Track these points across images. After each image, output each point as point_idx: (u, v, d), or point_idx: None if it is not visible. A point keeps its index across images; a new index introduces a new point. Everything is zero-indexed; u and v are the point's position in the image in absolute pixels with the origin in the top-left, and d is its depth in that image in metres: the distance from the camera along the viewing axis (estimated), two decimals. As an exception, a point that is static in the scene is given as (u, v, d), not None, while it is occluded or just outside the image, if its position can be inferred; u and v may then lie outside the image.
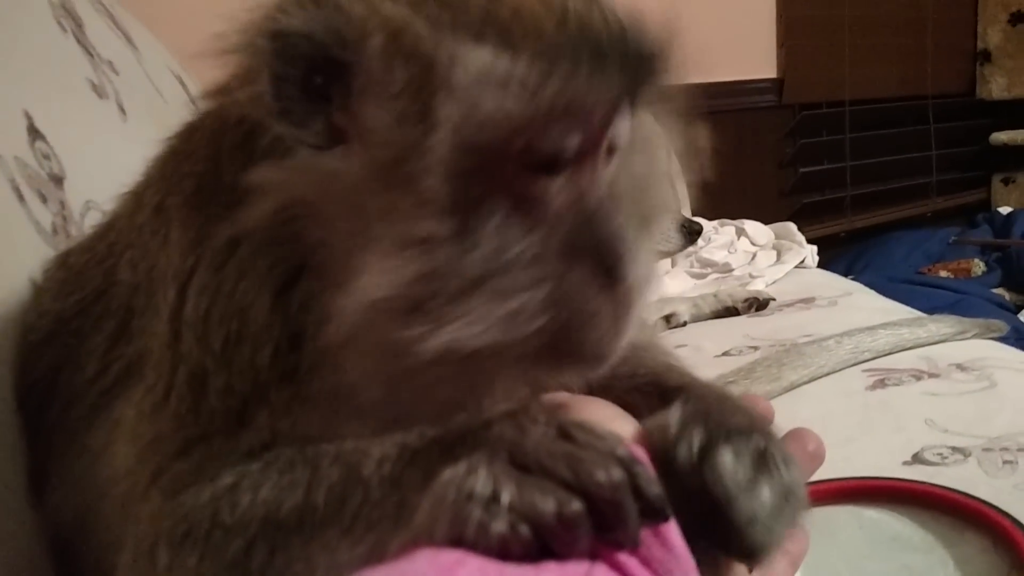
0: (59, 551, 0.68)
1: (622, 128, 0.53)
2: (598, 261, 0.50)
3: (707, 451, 0.51)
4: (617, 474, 0.41)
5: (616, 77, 0.49)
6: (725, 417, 0.54)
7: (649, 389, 0.61)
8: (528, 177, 0.50)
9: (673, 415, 0.54)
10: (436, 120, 0.48)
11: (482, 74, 0.48)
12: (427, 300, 0.48)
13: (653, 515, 0.42)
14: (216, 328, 0.54)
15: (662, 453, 0.52)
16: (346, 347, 0.51)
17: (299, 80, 0.49)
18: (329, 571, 0.46)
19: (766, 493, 0.51)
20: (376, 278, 0.48)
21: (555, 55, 0.48)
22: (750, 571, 0.55)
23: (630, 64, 0.50)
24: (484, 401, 0.56)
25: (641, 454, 0.45)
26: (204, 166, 0.57)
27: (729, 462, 0.50)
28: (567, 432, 0.44)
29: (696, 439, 0.52)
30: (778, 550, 0.51)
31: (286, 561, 0.47)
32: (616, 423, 0.55)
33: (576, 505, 0.40)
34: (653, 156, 0.59)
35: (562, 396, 0.58)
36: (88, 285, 0.67)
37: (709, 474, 0.50)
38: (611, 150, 0.53)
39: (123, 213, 0.68)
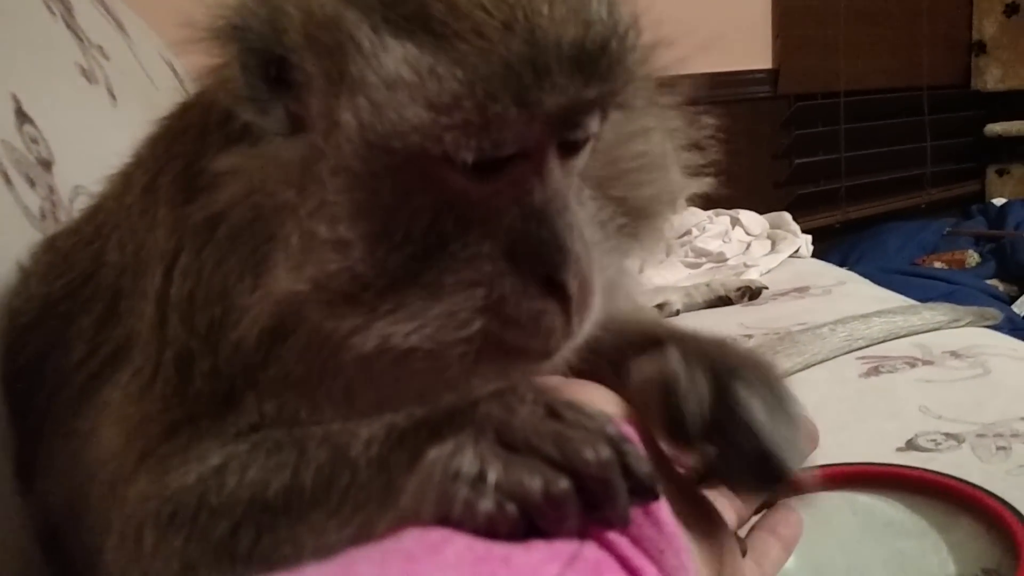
0: (48, 537, 0.67)
1: (581, 129, 0.50)
2: (539, 263, 0.48)
3: (722, 387, 0.52)
4: (605, 452, 0.41)
5: (566, 83, 0.46)
6: (724, 355, 0.55)
7: (639, 340, 0.60)
8: (460, 178, 0.48)
9: (672, 356, 0.54)
10: (339, 120, 0.47)
11: (397, 73, 0.46)
12: (357, 295, 0.48)
13: (643, 493, 0.41)
14: (201, 311, 0.53)
15: (666, 396, 0.52)
16: (279, 336, 0.51)
17: (258, 70, 0.49)
18: (316, 552, 0.45)
19: (784, 418, 0.52)
20: (283, 275, 0.48)
21: (489, 58, 0.45)
22: (766, 507, 0.59)
23: (587, 69, 0.47)
24: (458, 389, 0.56)
25: (631, 432, 0.45)
26: (192, 146, 0.56)
27: (748, 395, 0.51)
28: (555, 411, 0.43)
29: (701, 377, 0.52)
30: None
31: (273, 543, 0.47)
32: (608, 405, 0.55)
33: (564, 483, 0.40)
34: (647, 149, 0.57)
35: (553, 379, 0.58)
36: (76, 268, 0.66)
37: (733, 408, 0.51)
38: (573, 147, 0.51)
39: (111, 194, 0.68)
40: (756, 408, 0.51)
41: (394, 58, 0.46)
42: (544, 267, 0.48)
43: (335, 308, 0.48)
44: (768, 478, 0.52)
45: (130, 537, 0.52)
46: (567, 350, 0.52)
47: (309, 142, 0.49)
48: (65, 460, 0.62)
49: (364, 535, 0.43)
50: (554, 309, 0.49)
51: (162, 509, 0.50)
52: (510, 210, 0.49)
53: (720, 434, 0.51)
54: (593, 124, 0.51)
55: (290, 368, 0.52)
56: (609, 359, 0.60)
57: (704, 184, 0.60)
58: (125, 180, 0.65)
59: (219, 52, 0.52)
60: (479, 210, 0.49)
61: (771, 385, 0.53)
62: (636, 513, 0.41)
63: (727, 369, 0.53)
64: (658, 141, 0.58)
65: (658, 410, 0.53)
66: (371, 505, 0.45)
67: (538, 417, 0.43)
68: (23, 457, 0.69)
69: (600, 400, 0.56)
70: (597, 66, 0.48)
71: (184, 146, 0.57)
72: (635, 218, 0.56)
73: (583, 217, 0.52)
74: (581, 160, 0.52)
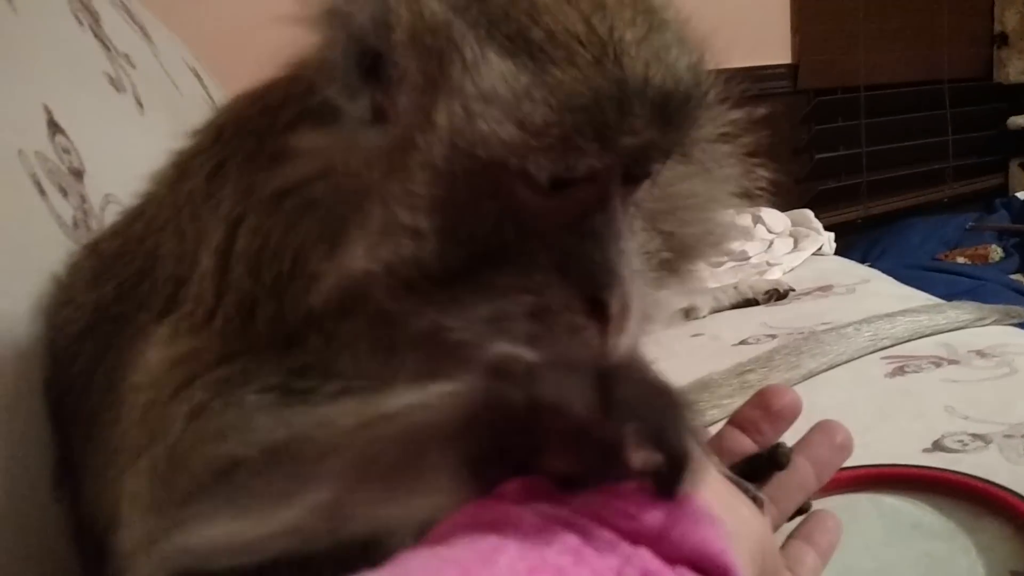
0: (95, 542, 0.68)
1: (655, 166, 0.53)
2: (588, 282, 0.51)
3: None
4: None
5: (644, 127, 0.49)
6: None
7: None
8: (530, 192, 0.51)
9: None
10: (434, 121, 0.49)
11: (493, 87, 0.48)
12: (417, 282, 0.50)
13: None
14: (268, 264, 0.54)
15: None
16: (337, 310, 0.52)
17: (354, 57, 0.51)
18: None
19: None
20: (360, 253, 0.50)
21: (580, 91, 0.48)
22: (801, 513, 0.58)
23: (666, 117, 0.50)
24: None
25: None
26: (265, 123, 0.58)
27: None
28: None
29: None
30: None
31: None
32: None
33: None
34: (701, 190, 0.60)
35: None
36: (128, 267, 0.65)
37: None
38: (636, 179, 0.54)
39: (164, 186, 0.67)
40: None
41: (493, 73, 0.48)
42: (591, 287, 0.50)
43: (396, 291, 0.50)
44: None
45: (161, 477, 0.52)
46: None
47: (396, 134, 0.51)
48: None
49: None
50: (593, 327, 0.50)
51: (196, 453, 0.51)
52: (570, 228, 0.51)
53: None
54: (659, 164, 0.54)
55: (353, 326, 0.53)
56: None
57: (742, 232, 0.64)
58: (180, 170, 0.65)
59: (319, 32, 0.53)
60: (541, 223, 0.51)
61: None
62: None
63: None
64: (712, 184, 0.61)
65: None
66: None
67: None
68: (70, 466, 0.69)
69: None
70: (676, 115, 0.51)
71: (256, 124, 0.58)
72: (679, 254, 0.59)
73: (633, 246, 0.54)
74: (641, 193, 0.55)
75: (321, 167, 0.52)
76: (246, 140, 0.59)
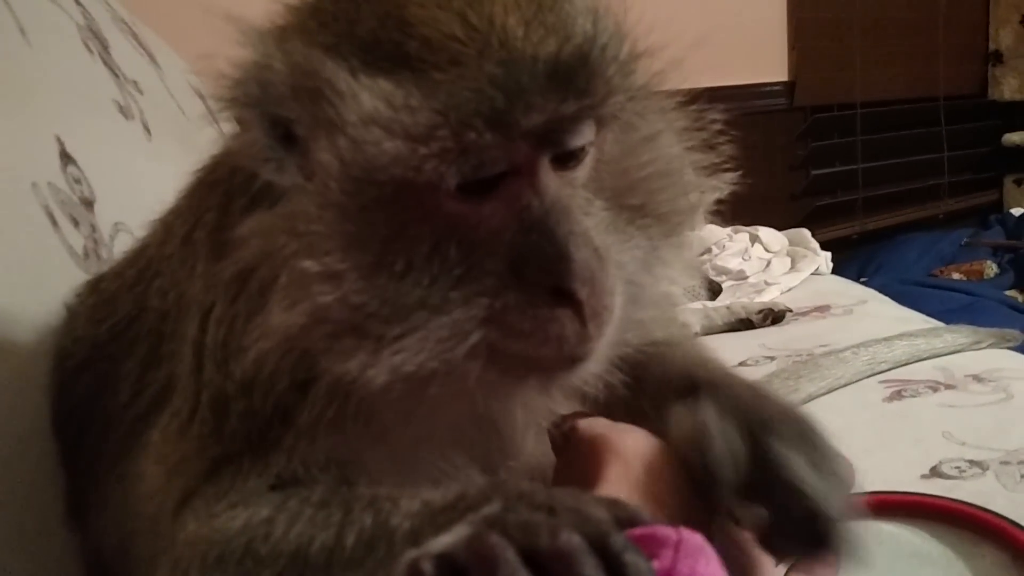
0: (102, 572, 0.69)
1: (570, 142, 0.51)
2: (544, 274, 0.49)
3: (759, 445, 0.52)
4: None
5: (542, 101, 0.48)
6: (760, 406, 0.55)
7: (679, 381, 0.61)
8: (454, 202, 0.49)
9: (707, 412, 0.55)
10: (324, 159, 0.49)
11: (374, 109, 0.47)
12: (361, 325, 0.49)
13: None
14: (234, 357, 0.55)
15: (702, 458, 0.53)
16: (296, 390, 0.53)
17: (270, 129, 0.51)
18: None
19: (829, 475, 0.52)
20: (284, 311, 0.50)
21: (461, 85, 0.47)
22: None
23: (563, 85, 0.48)
24: (490, 413, 0.57)
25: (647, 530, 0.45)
26: (221, 200, 0.59)
27: (788, 453, 0.51)
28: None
29: (735, 435, 0.53)
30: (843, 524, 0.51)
31: None
32: (646, 449, 0.57)
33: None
34: (656, 156, 0.58)
35: (599, 422, 0.59)
36: (120, 311, 0.69)
37: (774, 469, 0.51)
38: (570, 159, 0.52)
39: (153, 241, 0.70)
40: (798, 467, 0.51)
41: (370, 95, 0.48)
42: (550, 277, 0.49)
43: (342, 342, 0.49)
44: (817, 539, 0.52)
45: None
46: (594, 358, 0.53)
47: (309, 188, 0.51)
48: (117, 500, 0.65)
49: None
50: (566, 316, 0.49)
51: (209, 552, 0.52)
52: (510, 226, 0.50)
53: (765, 496, 0.52)
54: (582, 136, 0.52)
55: (322, 410, 0.54)
56: (651, 399, 0.61)
57: (724, 182, 0.60)
58: (166, 228, 0.68)
59: (239, 116, 0.54)
60: (480, 230, 0.50)
61: (810, 439, 0.54)
62: None
63: (762, 423, 0.54)
64: (667, 145, 0.59)
65: (695, 471, 0.54)
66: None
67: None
68: (75, 495, 0.71)
69: (641, 444, 0.57)
70: (574, 81, 0.49)
71: (216, 199, 0.60)
72: (658, 224, 0.57)
73: (593, 225, 0.52)
74: (582, 171, 0.53)
75: (262, 246, 0.52)
76: (207, 214, 0.60)
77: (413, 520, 0.48)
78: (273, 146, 0.51)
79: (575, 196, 0.52)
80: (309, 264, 0.49)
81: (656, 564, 0.42)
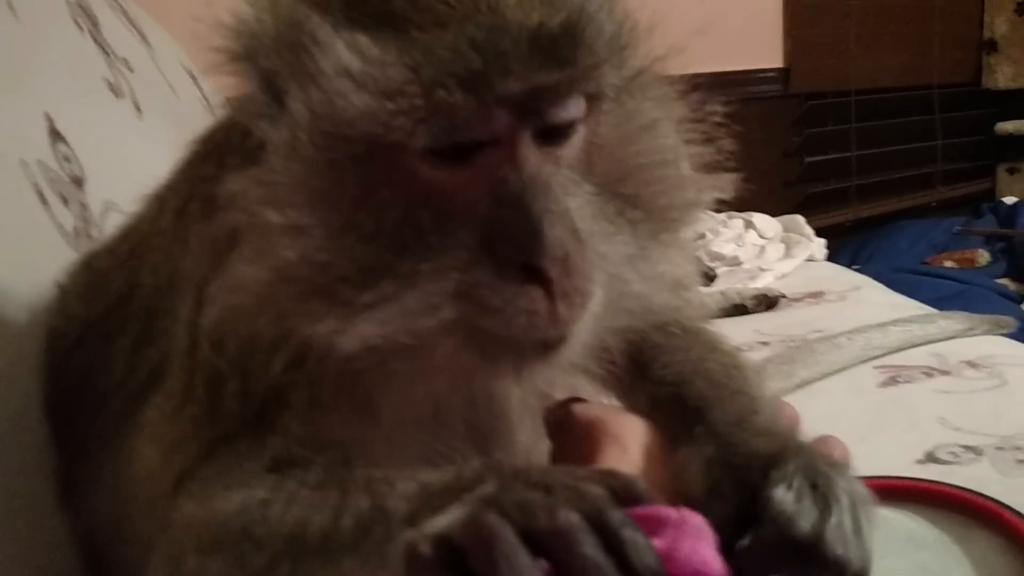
0: (96, 553, 0.69)
1: (552, 114, 0.50)
2: (515, 250, 0.48)
3: (760, 494, 0.50)
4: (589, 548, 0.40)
5: (521, 67, 0.46)
6: (751, 447, 0.54)
7: (671, 406, 0.60)
8: (429, 168, 0.48)
9: (697, 458, 0.54)
10: (296, 110, 0.48)
11: (349, 63, 0.47)
12: (330, 287, 0.48)
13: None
14: (229, 335, 0.54)
15: (699, 501, 0.52)
16: (274, 348, 0.52)
17: (265, 84, 0.51)
18: None
19: (836, 510, 0.49)
20: (249, 264, 0.49)
21: (439, 45, 0.46)
22: None
23: (544, 53, 0.47)
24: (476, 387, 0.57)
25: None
26: (215, 169, 0.57)
27: (786, 499, 0.49)
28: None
29: (729, 484, 0.52)
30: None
31: None
32: (643, 436, 0.56)
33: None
34: (653, 145, 0.57)
35: (595, 407, 0.59)
36: (113, 289, 0.68)
37: (777, 518, 0.49)
38: (555, 135, 0.51)
39: (145, 217, 0.69)
40: (786, 502, 0.49)
41: (346, 48, 0.47)
42: (521, 253, 0.48)
43: (310, 304, 0.49)
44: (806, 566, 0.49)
45: (173, 559, 0.53)
46: (569, 344, 0.51)
47: (285, 140, 0.50)
48: (110, 479, 0.64)
49: None
50: (535, 294, 0.48)
51: (204, 534, 0.52)
52: (485, 198, 0.49)
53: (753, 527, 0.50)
54: (567, 110, 0.50)
55: (316, 390, 0.53)
56: (649, 396, 0.61)
57: (723, 182, 0.59)
58: (158, 203, 0.67)
59: (237, 72, 0.53)
60: (454, 200, 0.49)
61: (811, 469, 0.51)
62: None
63: (760, 465, 0.52)
64: (664, 135, 0.57)
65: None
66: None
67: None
68: (67, 474, 0.70)
69: (638, 429, 0.57)
70: (556, 50, 0.47)
71: (210, 169, 0.58)
72: (651, 217, 0.56)
73: (576, 207, 0.51)
74: (569, 150, 0.52)
75: (244, 208, 0.51)
76: (202, 184, 0.59)
77: (410, 502, 0.47)
78: (267, 101, 0.51)
79: (558, 175, 0.51)
80: (273, 215, 0.48)
81: (657, 543, 0.42)
